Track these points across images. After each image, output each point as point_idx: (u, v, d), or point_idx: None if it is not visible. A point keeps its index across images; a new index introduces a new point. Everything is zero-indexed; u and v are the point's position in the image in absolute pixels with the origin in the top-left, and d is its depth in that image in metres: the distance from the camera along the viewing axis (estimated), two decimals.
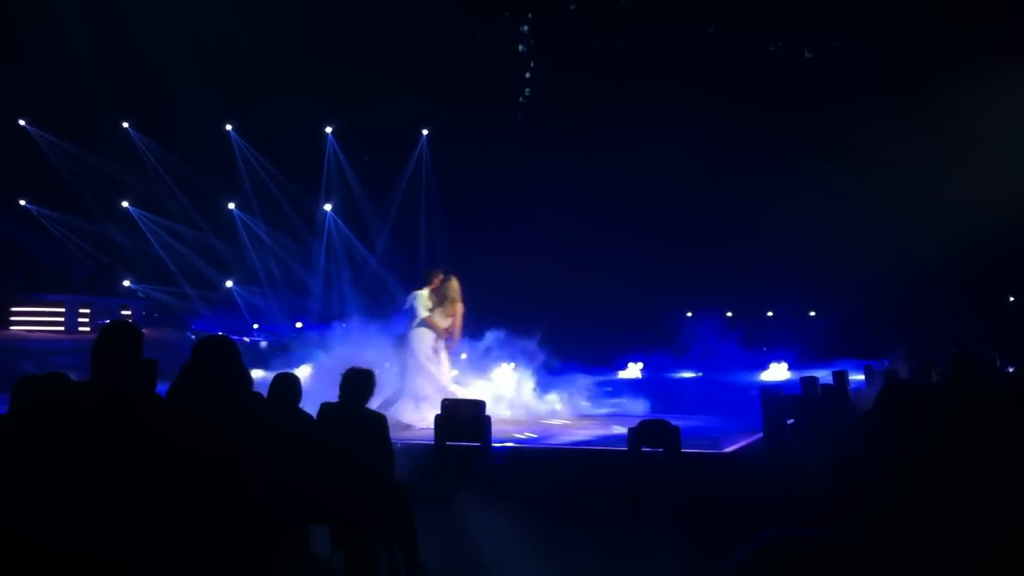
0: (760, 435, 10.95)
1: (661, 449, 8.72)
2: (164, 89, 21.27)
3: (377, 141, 24.89)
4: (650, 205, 23.97)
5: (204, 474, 3.21)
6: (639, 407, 15.01)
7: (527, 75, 25.97)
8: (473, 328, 15.90)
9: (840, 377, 13.76)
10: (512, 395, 14.42)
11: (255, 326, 24.50)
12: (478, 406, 9.87)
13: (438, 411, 10.03)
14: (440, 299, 13.42)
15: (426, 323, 13.21)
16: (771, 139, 23.53)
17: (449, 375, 13.48)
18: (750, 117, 23.22)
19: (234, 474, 3.36)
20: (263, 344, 21.99)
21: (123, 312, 22.49)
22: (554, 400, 14.68)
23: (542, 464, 9.63)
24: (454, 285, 13.52)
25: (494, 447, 9.68)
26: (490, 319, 17.26)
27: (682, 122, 22.69)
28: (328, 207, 25.46)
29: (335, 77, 22.16)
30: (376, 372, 6.54)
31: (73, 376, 4.21)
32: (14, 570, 2.95)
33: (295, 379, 6.15)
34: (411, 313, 13.36)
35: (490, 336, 15.25)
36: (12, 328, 20.55)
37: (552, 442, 11.24)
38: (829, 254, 23.62)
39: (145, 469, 3.09)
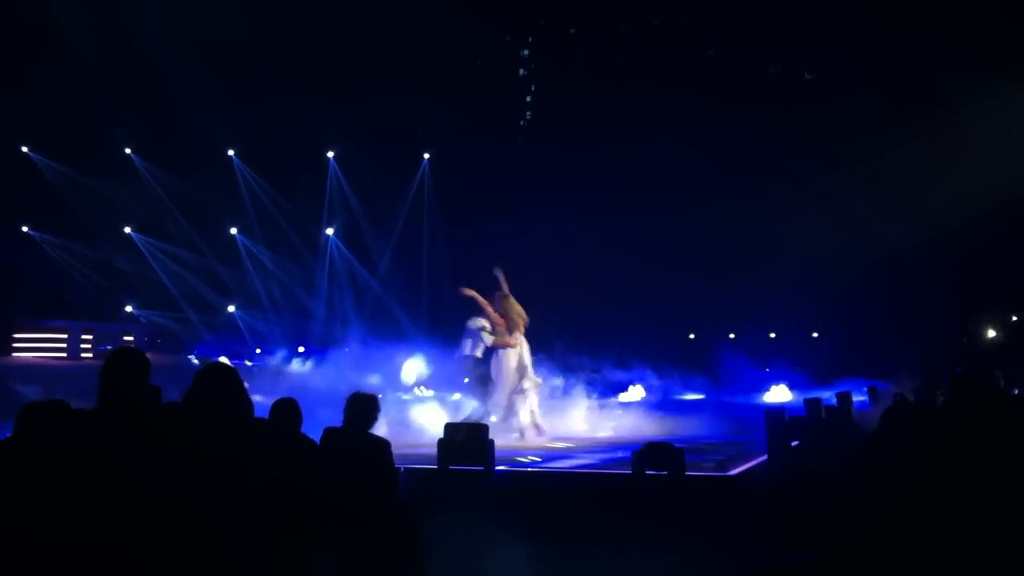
0: (764, 457, 10.89)
1: (665, 472, 8.67)
2: (165, 114, 21.36)
3: (379, 164, 24.97)
4: (654, 228, 23.99)
5: (209, 475, 3.23)
6: (644, 429, 14.99)
7: (527, 99, 26.05)
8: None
9: (844, 399, 13.73)
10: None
11: (257, 351, 24.48)
12: (481, 430, 9.83)
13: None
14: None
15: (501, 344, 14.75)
16: (772, 156, 23.54)
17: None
18: (747, 139, 23.26)
19: (238, 475, 3.38)
20: (266, 368, 21.97)
21: (125, 338, 22.50)
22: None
23: (545, 488, 9.58)
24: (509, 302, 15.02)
25: (497, 471, 9.63)
26: None
27: (685, 135, 22.75)
28: (330, 231, 25.52)
29: (337, 99, 22.26)
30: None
31: (75, 403, 4.22)
32: (23, 571, 2.97)
33: (295, 404, 6.11)
34: (476, 336, 14.91)
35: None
36: (15, 355, 20.56)
37: (555, 465, 11.19)
38: (832, 275, 23.61)
39: (150, 472, 3.11)
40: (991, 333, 26.49)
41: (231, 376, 4.14)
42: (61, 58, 20.59)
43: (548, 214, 23.44)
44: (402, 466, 7.74)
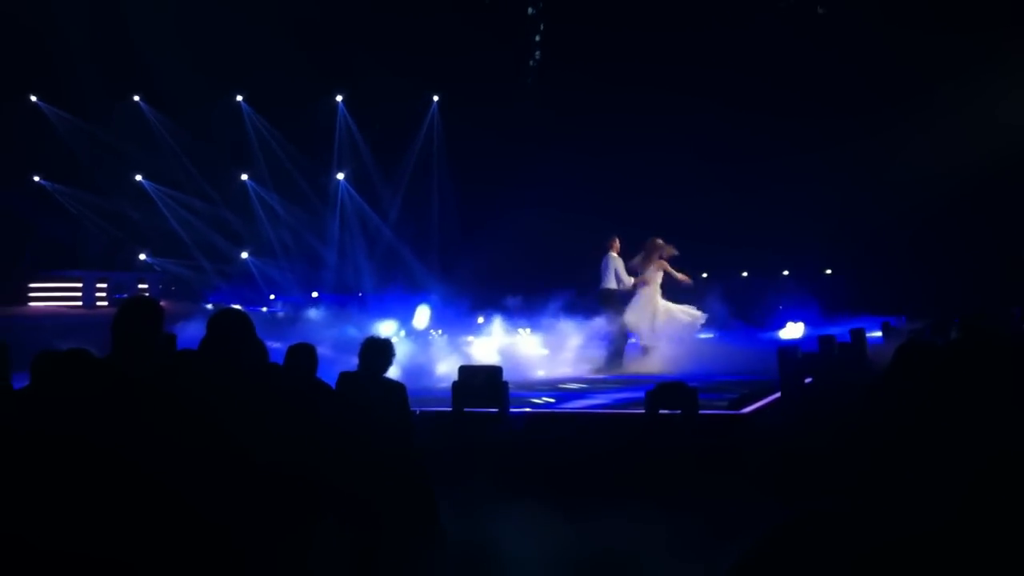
0: (778, 395, 10.91)
1: (679, 411, 8.71)
2: (173, 61, 21.18)
3: (388, 107, 24.77)
4: (662, 159, 23.72)
5: (221, 457, 3.21)
6: (658, 368, 15.07)
7: (536, 38, 25.74)
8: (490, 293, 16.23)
9: (857, 335, 13.72)
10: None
11: (271, 297, 24.56)
12: (495, 372, 9.86)
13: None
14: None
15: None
16: (786, 100, 23.24)
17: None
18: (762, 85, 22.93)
19: (251, 457, 3.38)
20: (280, 315, 22.06)
21: (140, 286, 22.59)
22: None
23: (560, 429, 9.65)
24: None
25: (512, 413, 9.69)
26: (501, 285, 17.42)
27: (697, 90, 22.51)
28: (341, 176, 25.43)
29: (345, 43, 22.08)
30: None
31: (94, 351, 4.21)
32: (26, 549, 2.96)
33: (311, 349, 6.14)
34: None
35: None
36: (30, 304, 20.69)
37: (570, 406, 11.25)
38: (843, 210, 23.42)
39: (164, 452, 3.10)
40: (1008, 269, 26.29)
41: (244, 322, 4.15)
42: (67, 5, 20.39)
43: (559, 158, 23.22)
44: (417, 408, 7.80)
